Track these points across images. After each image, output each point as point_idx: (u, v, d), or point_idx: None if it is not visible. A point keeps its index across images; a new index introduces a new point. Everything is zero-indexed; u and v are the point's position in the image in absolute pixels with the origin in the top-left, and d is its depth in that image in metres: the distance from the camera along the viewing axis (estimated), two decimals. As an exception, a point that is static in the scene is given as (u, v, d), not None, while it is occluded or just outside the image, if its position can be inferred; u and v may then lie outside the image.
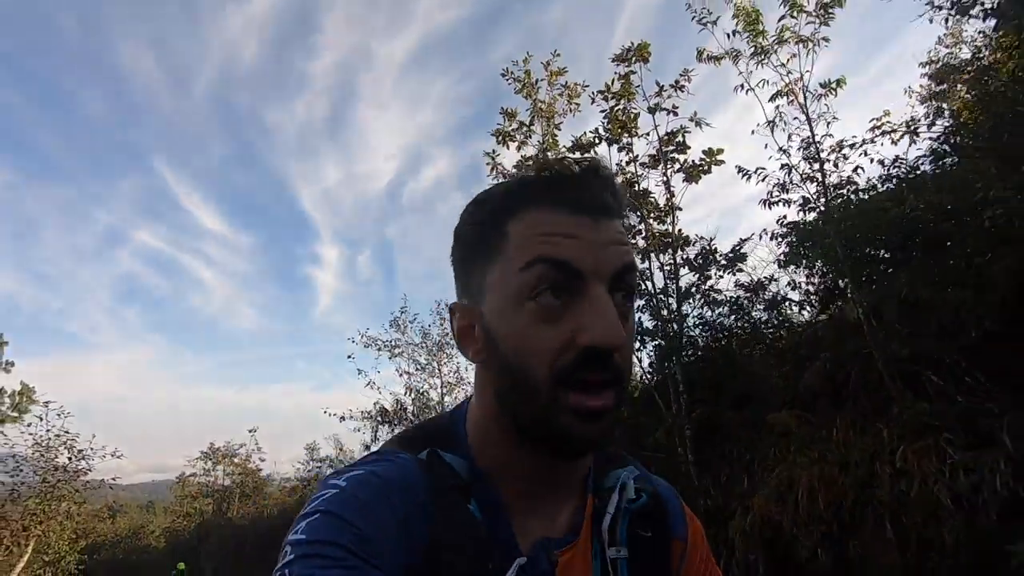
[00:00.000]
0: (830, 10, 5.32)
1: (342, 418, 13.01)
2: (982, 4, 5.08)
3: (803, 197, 5.75)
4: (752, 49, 5.67)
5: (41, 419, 11.05)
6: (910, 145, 5.62)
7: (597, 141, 6.85)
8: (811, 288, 6.47)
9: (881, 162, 5.72)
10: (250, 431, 22.87)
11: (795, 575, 3.93)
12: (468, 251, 0.55)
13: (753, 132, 5.87)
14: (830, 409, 4.57)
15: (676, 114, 6.56)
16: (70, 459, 11.25)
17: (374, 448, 0.92)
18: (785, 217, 6.11)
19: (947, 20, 5.78)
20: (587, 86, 7.22)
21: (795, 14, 5.43)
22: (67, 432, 11.18)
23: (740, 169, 5.95)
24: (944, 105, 6.96)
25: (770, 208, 5.93)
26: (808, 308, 6.72)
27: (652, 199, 6.79)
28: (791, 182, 5.73)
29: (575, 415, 0.49)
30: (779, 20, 5.50)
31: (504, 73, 7.19)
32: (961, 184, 4.37)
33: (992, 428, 3.41)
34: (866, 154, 5.47)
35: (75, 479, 11.56)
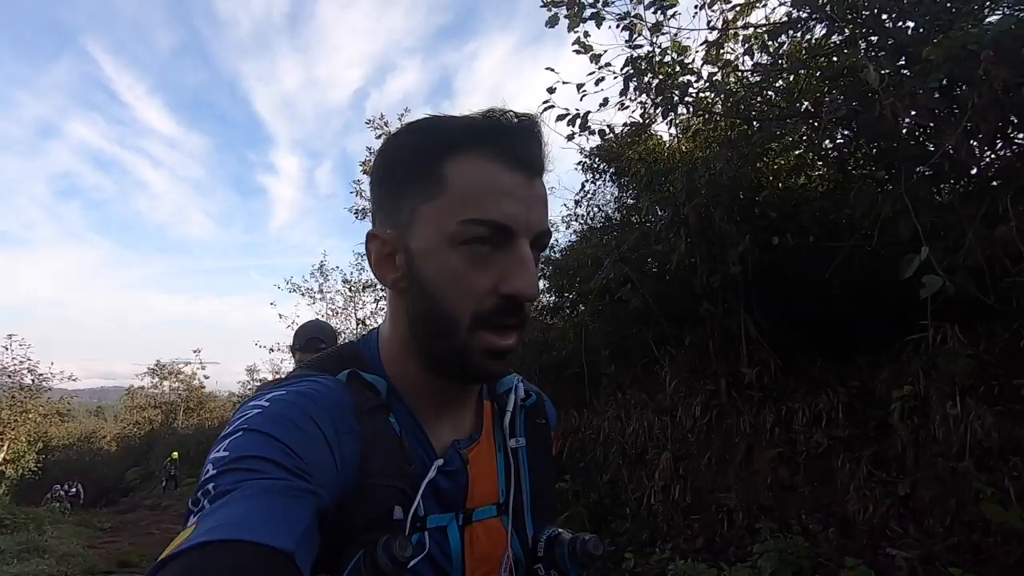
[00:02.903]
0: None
1: (271, 349, 15.19)
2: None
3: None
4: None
5: (7, 348, 13.15)
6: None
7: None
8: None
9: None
10: (194, 351, 25.32)
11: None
12: (398, 179, 0.56)
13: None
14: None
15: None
16: (32, 381, 13.52)
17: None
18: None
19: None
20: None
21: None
22: (29, 359, 13.38)
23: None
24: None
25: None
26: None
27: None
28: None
29: (485, 353, 0.54)
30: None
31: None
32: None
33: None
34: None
35: (38, 396, 13.90)
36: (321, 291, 13.45)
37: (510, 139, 0.53)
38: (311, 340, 2.27)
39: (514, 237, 0.52)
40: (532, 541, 0.65)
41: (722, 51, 3.86)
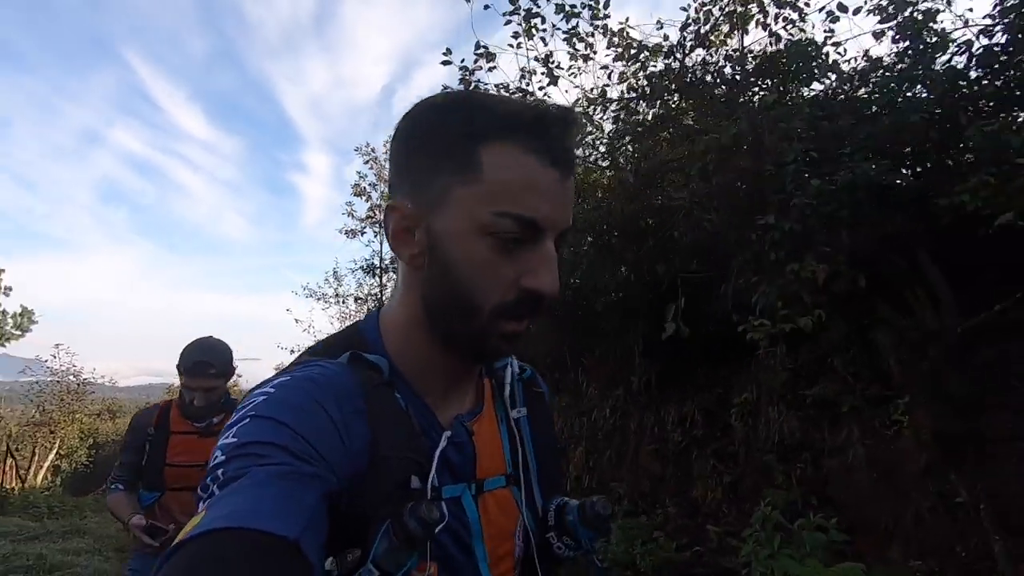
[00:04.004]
0: None
1: (291, 351, 16.18)
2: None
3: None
4: None
5: (55, 356, 14.75)
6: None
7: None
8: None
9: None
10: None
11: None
12: (426, 154, 0.55)
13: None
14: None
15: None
16: (78, 385, 15.10)
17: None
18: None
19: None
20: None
21: None
22: (74, 365, 14.95)
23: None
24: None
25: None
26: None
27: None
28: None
29: (502, 338, 0.55)
30: None
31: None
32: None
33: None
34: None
35: (83, 398, 15.49)
36: (337, 295, 13.94)
37: (551, 134, 0.52)
38: (199, 364, 2.03)
39: (543, 234, 0.53)
40: (542, 511, 0.66)
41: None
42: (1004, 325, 2.97)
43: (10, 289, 17.52)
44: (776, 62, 3.92)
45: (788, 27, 3.99)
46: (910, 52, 2.96)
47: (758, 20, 4.15)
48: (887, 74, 3.09)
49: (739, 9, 4.16)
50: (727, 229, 3.54)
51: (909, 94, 3.01)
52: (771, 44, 3.98)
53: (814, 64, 3.62)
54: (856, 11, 3.51)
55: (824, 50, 3.65)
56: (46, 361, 15.27)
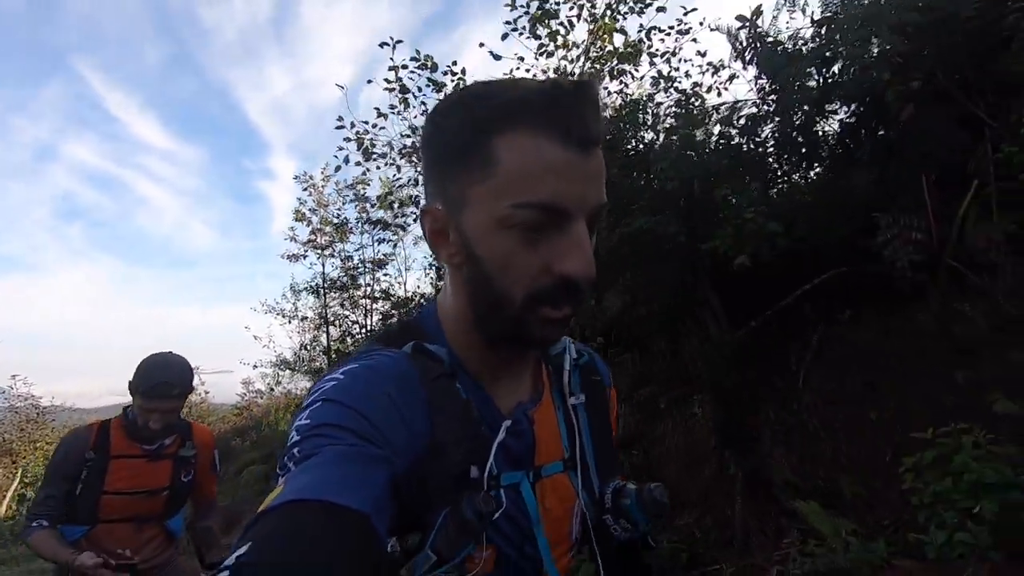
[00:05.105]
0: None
1: (255, 366, 16.10)
2: None
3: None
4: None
5: (12, 387, 14.89)
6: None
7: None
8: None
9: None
10: (194, 367, 26.65)
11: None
12: (447, 157, 0.55)
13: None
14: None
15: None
16: (38, 415, 15.27)
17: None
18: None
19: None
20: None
21: None
22: (32, 396, 15.11)
23: None
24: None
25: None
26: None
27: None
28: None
29: (542, 323, 0.54)
30: None
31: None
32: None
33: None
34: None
35: (44, 427, 15.65)
36: (296, 309, 13.65)
37: (564, 111, 0.50)
38: (161, 385, 1.82)
39: (569, 217, 0.51)
40: (599, 494, 0.67)
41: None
42: (764, 334, 3.84)
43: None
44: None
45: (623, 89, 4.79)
46: (686, 130, 3.79)
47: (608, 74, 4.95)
48: (673, 137, 3.91)
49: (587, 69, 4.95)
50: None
51: (690, 153, 3.83)
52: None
53: (640, 121, 4.43)
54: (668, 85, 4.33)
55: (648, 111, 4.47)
56: (2, 392, 15.35)
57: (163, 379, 1.84)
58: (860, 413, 3.22)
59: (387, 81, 4.54)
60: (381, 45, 4.57)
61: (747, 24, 4.10)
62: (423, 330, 0.63)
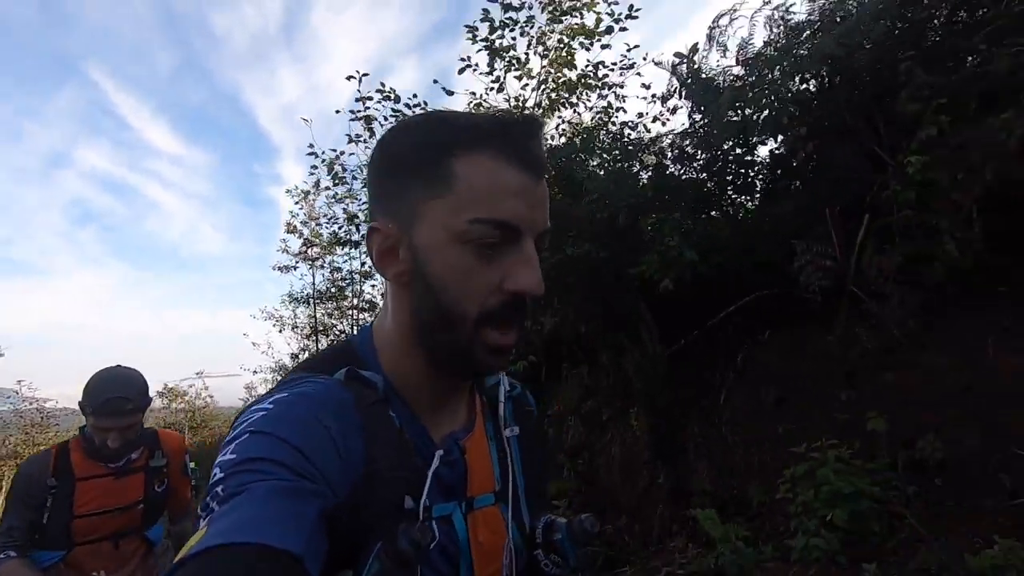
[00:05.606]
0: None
1: (255, 372, 16.50)
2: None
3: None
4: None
5: (17, 393, 15.35)
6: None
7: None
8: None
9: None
10: (197, 374, 27.33)
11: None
12: (401, 174, 0.56)
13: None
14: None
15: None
16: (42, 419, 15.72)
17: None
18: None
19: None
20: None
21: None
22: (37, 400, 15.56)
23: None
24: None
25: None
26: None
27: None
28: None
29: (489, 350, 0.55)
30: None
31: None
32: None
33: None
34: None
35: (47, 430, 16.12)
36: (295, 316, 14.08)
37: (518, 140, 0.53)
38: (113, 401, 1.72)
39: (521, 236, 0.53)
40: (530, 529, 0.67)
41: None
42: (693, 352, 4.10)
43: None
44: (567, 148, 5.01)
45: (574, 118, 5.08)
46: (619, 163, 4.07)
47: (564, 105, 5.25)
48: (603, 169, 4.19)
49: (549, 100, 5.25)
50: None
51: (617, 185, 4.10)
52: (558, 135, 5.06)
53: (593, 146, 4.72)
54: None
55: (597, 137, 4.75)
56: (8, 397, 15.86)
57: (114, 394, 1.73)
58: (771, 427, 3.47)
59: (352, 112, 4.87)
60: (348, 78, 4.89)
61: (684, 60, 4.39)
62: (357, 355, 0.62)
